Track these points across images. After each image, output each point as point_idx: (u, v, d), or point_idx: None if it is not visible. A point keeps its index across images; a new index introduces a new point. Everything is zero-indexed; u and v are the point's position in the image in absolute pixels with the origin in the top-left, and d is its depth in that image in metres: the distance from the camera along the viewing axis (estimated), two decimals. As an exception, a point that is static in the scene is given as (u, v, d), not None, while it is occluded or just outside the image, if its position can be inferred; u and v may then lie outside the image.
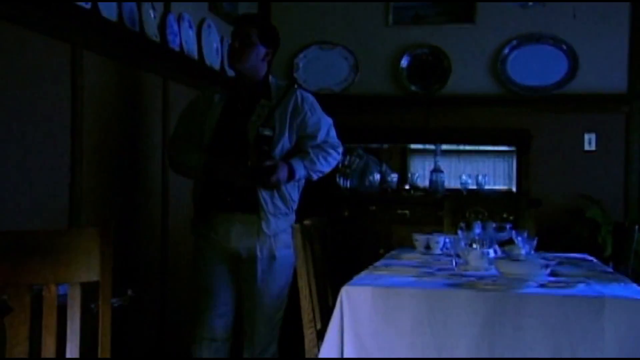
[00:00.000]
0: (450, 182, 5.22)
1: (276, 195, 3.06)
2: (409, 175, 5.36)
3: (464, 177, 5.15)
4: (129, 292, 2.49)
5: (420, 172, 5.39)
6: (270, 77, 3.19)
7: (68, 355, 1.80)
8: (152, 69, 3.62)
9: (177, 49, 3.86)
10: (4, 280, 1.82)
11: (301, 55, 5.38)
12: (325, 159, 3.16)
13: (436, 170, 5.14)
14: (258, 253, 3.06)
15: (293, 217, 3.16)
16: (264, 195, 3.03)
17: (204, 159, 3.08)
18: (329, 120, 3.22)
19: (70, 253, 1.86)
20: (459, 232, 3.02)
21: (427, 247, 3.43)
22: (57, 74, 2.86)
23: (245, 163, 3.01)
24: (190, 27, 4.07)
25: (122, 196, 3.37)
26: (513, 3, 3.88)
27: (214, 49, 4.40)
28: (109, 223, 1.89)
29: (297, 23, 5.36)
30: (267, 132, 3.03)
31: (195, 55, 4.12)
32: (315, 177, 3.18)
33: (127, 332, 3.17)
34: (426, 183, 5.21)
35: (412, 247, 3.53)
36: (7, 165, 2.53)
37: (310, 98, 3.20)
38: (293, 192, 3.14)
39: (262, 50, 3.10)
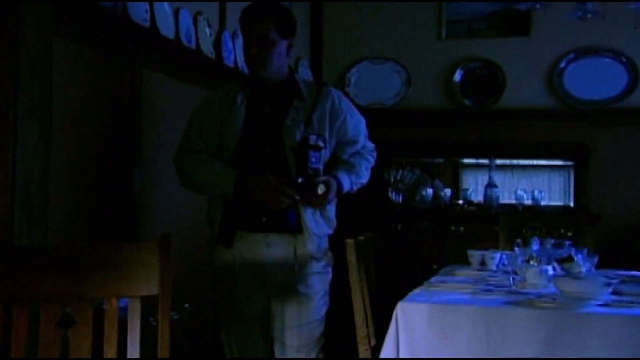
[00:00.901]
0: (504, 196, 5.15)
1: (319, 213, 2.64)
2: (462, 190, 5.30)
3: (519, 192, 5.07)
4: (186, 306, 2.53)
5: (473, 186, 5.35)
6: (296, 76, 2.75)
7: (128, 367, 1.83)
8: (208, 85, 3.67)
9: (231, 65, 3.92)
10: (68, 294, 1.87)
11: (353, 70, 5.41)
12: (367, 169, 2.80)
13: (491, 185, 5.08)
14: (297, 281, 2.63)
15: (331, 232, 2.75)
16: (308, 213, 2.59)
17: (234, 176, 2.55)
18: (364, 121, 2.83)
19: (130, 267, 1.89)
20: (516, 248, 2.97)
21: (483, 263, 3.38)
22: (116, 90, 2.93)
23: (286, 177, 2.52)
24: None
25: (178, 210, 3.42)
26: (570, 15, 3.81)
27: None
28: (167, 237, 1.91)
29: (349, 38, 5.39)
30: (320, 142, 2.55)
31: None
32: (355, 190, 2.78)
33: (183, 345, 3.21)
34: (480, 198, 5.16)
35: (466, 263, 3.49)
36: (69, 178, 2.60)
37: (345, 97, 2.80)
38: (331, 210, 2.72)
39: (284, 45, 2.60)
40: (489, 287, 2.73)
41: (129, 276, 1.88)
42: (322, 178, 2.56)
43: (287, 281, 2.63)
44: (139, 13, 3.01)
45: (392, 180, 5.22)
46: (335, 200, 2.69)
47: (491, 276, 3.08)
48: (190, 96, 3.57)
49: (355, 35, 5.41)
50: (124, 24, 2.88)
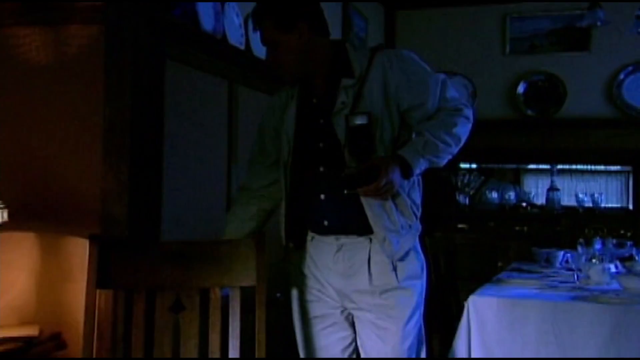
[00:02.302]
0: (565, 199, 5.03)
1: (391, 204, 1.96)
2: (525, 193, 5.19)
3: (580, 195, 4.92)
4: (278, 295, 2.55)
5: (534, 190, 5.25)
6: (349, 49, 2.07)
7: (230, 349, 1.86)
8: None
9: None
10: (178, 283, 1.93)
11: (424, 84, 5.36)
12: (449, 133, 1.96)
13: (552, 188, 4.98)
14: (371, 287, 1.99)
15: (418, 226, 2.07)
16: (374, 208, 1.94)
17: (284, 187, 2.08)
18: (440, 77, 2.05)
19: (231, 261, 1.93)
20: (579, 247, 2.87)
21: (547, 261, 3.28)
22: (217, 106, 3.00)
23: (340, 172, 1.94)
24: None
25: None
26: (630, 31, 3.67)
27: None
28: (263, 235, 1.94)
29: (418, 54, 5.33)
30: (360, 121, 1.93)
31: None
32: (443, 162, 2.01)
33: (275, 330, 3.24)
34: (542, 201, 5.04)
35: (530, 261, 3.40)
36: (178, 184, 2.67)
37: (405, 53, 2.07)
38: (413, 193, 2.03)
39: (294, 38, 1.99)
40: (555, 283, 2.65)
41: (230, 269, 1.92)
42: (364, 165, 1.90)
43: (361, 304, 2.01)
44: (235, 37, 3.07)
45: (459, 184, 5.14)
46: (416, 179, 2.04)
47: (555, 273, 2.99)
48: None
49: (425, 51, 5.34)
50: (223, 47, 2.93)
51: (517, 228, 4.69)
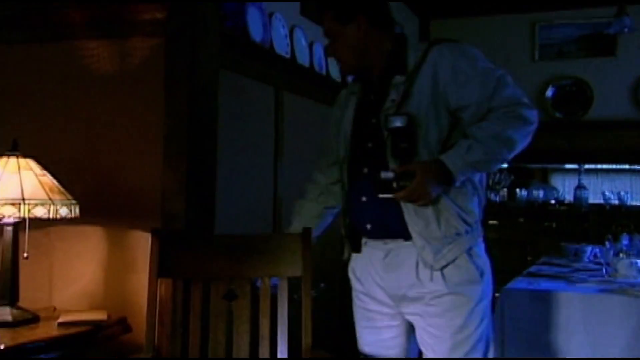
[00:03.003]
0: (591, 197, 4.92)
1: (432, 211, 1.73)
2: (554, 191, 5.10)
3: (606, 192, 4.81)
4: (322, 285, 2.56)
5: (561, 188, 5.16)
6: (408, 45, 1.85)
7: (279, 334, 1.88)
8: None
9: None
10: (231, 274, 1.95)
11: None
12: (499, 136, 1.67)
13: (580, 186, 4.88)
14: (420, 293, 1.77)
15: (473, 237, 1.76)
16: (412, 214, 1.74)
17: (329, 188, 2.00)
18: (496, 73, 1.74)
19: (279, 253, 1.95)
20: (607, 243, 2.80)
21: (575, 255, 3.22)
22: (264, 110, 3.03)
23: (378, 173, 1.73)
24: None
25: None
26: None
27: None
28: (308, 230, 1.95)
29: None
30: (398, 123, 1.71)
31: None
32: (492, 167, 1.80)
33: (320, 317, 3.25)
34: (570, 198, 4.95)
35: (559, 256, 3.33)
36: (230, 183, 2.70)
37: (459, 47, 1.80)
38: (462, 199, 1.75)
39: (353, 30, 1.82)
40: (584, 277, 2.60)
41: (278, 260, 1.94)
42: (393, 169, 1.71)
43: (413, 309, 1.82)
44: (282, 46, 3.09)
45: (490, 182, 5.07)
46: (472, 184, 1.77)
47: (584, 267, 2.93)
48: (320, 112, 3.63)
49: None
50: (270, 55, 2.96)
51: (546, 224, 4.61)
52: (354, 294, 1.97)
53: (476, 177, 1.79)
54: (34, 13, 2.25)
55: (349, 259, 1.97)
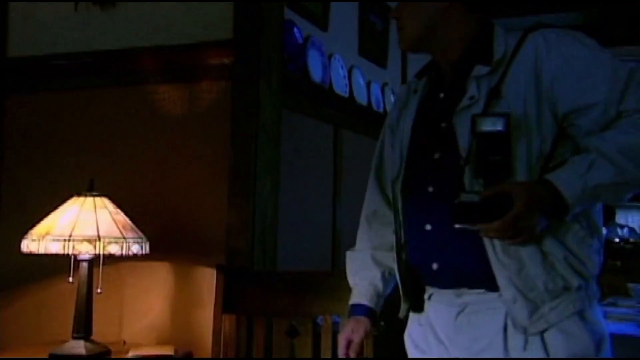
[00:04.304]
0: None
1: (531, 251, 1.24)
2: (619, 228, 4.92)
3: (675, 231, 4.62)
4: (382, 324, 2.54)
5: (625, 225, 4.97)
6: (496, 32, 1.37)
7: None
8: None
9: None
10: (293, 310, 1.97)
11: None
12: (635, 154, 1.21)
13: (646, 224, 4.67)
14: None
15: (587, 295, 1.27)
16: (500, 254, 1.25)
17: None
18: (625, 67, 1.27)
19: (340, 291, 1.93)
20: (678, 284, 2.68)
21: (644, 296, 3.08)
22: (324, 148, 3.08)
23: (454, 196, 1.24)
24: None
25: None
26: None
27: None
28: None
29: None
30: (493, 126, 1.23)
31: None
32: (622, 196, 1.28)
33: (380, 356, 3.21)
34: (636, 237, 4.76)
35: (626, 296, 3.20)
36: (291, 219, 2.75)
37: (570, 33, 1.33)
38: (580, 244, 1.27)
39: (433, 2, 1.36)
40: (653, 319, 2.49)
41: (340, 298, 1.93)
42: (486, 192, 1.22)
43: None
44: (341, 86, 3.16)
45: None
46: (588, 221, 1.28)
47: (653, 309, 2.80)
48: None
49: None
50: (330, 95, 3.02)
51: (610, 262, 4.44)
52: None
53: (595, 211, 1.30)
54: (113, 60, 2.38)
55: (406, 318, 1.46)
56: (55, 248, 1.88)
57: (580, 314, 1.26)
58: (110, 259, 2.03)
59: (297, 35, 2.81)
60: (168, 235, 2.24)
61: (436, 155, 1.36)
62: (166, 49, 2.32)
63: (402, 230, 1.42)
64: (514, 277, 1.24)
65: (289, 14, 2.72)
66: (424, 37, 1.39)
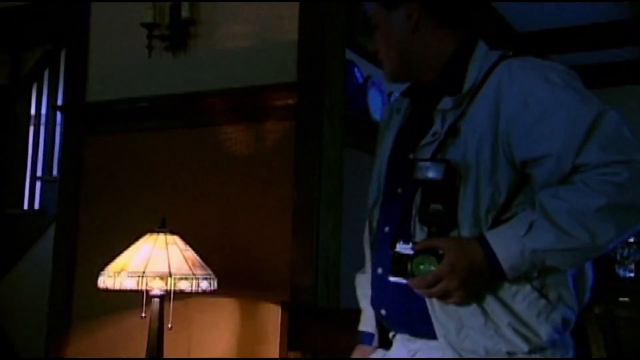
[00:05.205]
0: None
1: (467, 312, 1.14)
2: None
3: None
4: None
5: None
6: (476, 53, 1.25)
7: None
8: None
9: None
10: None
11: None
12: (585, 216, 1.06)
13: None
14: None
15: (547, 356, 1.14)
16: (437, 310, 1.16)
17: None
18: (596, 107, 1.11)
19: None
20: None
21: None
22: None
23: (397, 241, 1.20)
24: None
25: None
26: None
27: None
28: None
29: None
30: (431, 173, 1.14)
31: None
32: (570, 262, 1.13)
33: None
34: None
35: None
36: (353, 256, 2.74)
37: (535, 65, 1.18)
38: (529, 309, 1.12)
39: (399, 17, 1.27)
40: None
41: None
42: (403, 248, 1.16)
43: None
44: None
45: (618, 257, 4.75)
46: (528, 285, 1.12)
47: None
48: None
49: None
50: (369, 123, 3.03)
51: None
52: None
53: (562, 274, 1.14)
54: (183, 103, 2.48)
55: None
56: (130, 284, 1.94)
57: None
58: (178, 294, 2.08)
59: (358, 75, 2.86)
60: (234, 272, 2.28)
61: (399, 190, 1.27)
62: (234, 92, 2.40)
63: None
64: (452, 337, 1.14)
65: (349, 54, 2.77)
66: (402, 63, 1.30)
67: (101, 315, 2.45)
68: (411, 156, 1.22)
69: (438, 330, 1.16)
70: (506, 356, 1.12)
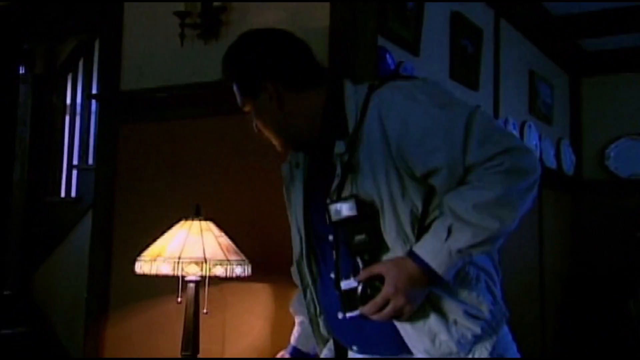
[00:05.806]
0: None
1: (433, 321, 1.30)
2: None
3: None
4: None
5: None
6: (346, 92, 1.37)
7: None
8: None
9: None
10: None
11: (612, 146, 4.98)
12: (485, 205, 1.22)
13: None
14: None
15: (495, 324, 1.34)
16: (409, 331, 1.31)
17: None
18: (464, 113, 1.27)
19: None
20: None
21: None
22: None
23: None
24: (514, 128, 4.05)
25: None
26: None
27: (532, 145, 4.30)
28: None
29: (609, 117, 5.00)
30: (346, 212, 1.28)
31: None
32: (490, 245, 1.29)
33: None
34: None
35: None
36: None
37: (401, 89, 1.32)
38: (472, 291, 1.32)
39: (264, 99, 1.43)
40: None
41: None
42: (352, 281, 1.29)
43: None
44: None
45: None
46: (466, 274, 1.32)
47: None
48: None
49: (612, 118, 5.02)
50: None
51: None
52: None
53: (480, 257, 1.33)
54: (215, 91, 2.49)
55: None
56: (166, 269, 1.96)
57: (494, 350, 1.32)
58: (213, 280, 2.09)
59: (390, 61, 2.83)
60: (268, 257, 2.29)
61: (330, 238, 1.38)
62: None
63: (318, 308, 1.50)
64: (430, 349, 1.30)
65: (381, 41, 2.74)
66: (285, 136, 1.44)
67: (138, 300, 2.48)
68: (328, 201, 1.32)
69: (414, 347, 1.31)
70: (471, 337, 1.30)
